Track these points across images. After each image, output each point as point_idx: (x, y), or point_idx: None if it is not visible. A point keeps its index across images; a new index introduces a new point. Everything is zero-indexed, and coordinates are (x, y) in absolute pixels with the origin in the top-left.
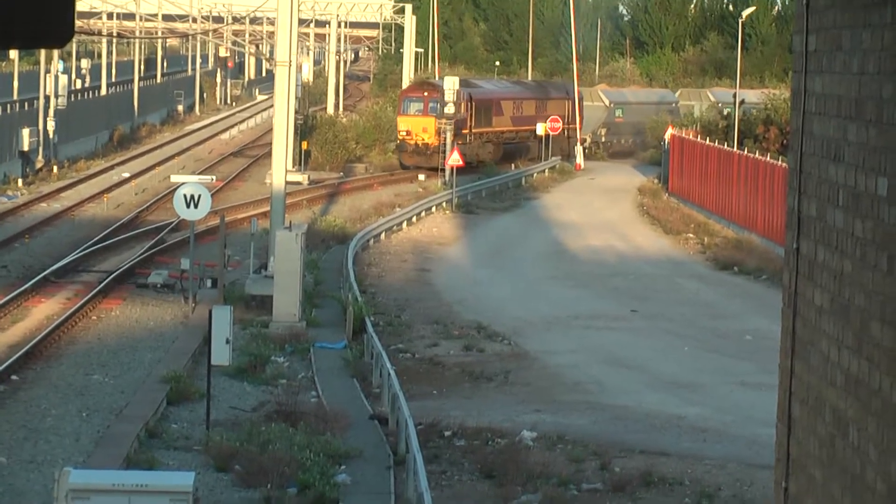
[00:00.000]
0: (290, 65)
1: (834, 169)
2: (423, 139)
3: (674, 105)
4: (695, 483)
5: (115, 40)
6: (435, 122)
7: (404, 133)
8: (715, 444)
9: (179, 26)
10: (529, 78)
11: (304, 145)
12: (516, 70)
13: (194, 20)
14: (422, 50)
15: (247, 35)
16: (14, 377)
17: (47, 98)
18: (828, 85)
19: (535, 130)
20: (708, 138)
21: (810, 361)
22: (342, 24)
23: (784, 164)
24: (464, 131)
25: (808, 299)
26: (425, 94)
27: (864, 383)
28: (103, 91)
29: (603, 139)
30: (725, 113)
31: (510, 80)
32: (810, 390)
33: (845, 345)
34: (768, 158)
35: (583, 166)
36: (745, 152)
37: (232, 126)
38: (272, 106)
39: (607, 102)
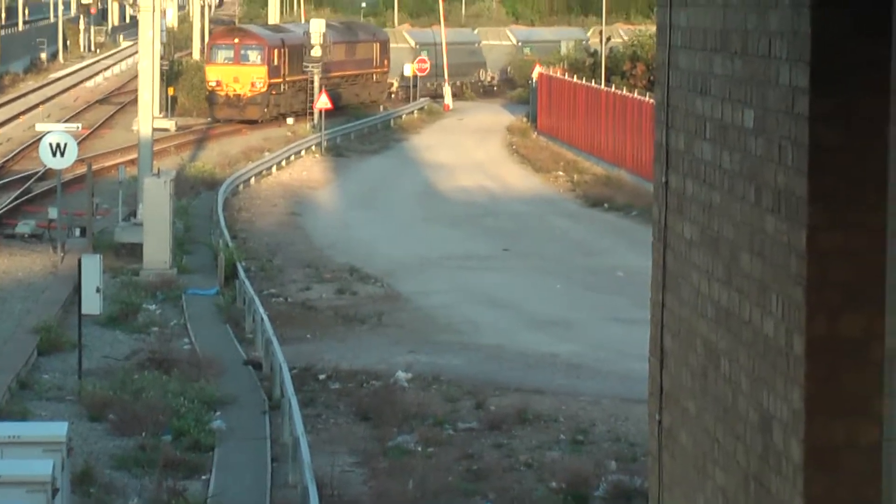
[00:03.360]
0: (154, 10)
1: (701, 102)
2: (234, 90)
3: (476, 46)
4: (570, 419)
5: None
6: (250, 71)
7: (213, 83)
8: (589, 381)
9: None
10: (395, 21)
11: (171, 91)
12: (382, 11)
13: None
14: None
15: None
16: None
17: None
18: (693, 18)
19: (346, 76)
20: (575, 76)
21: (681, 294)
22: None
23: (651, 101)
24: (277, 80)
25: (677, 233)
26: (236, 40)
27: (734, 315)
28: None
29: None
30: (592, 51)
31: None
32: (682, 323)
33: (715, 277)
34: (636, 95)
35: (451, 107)
36: (613, 89)
37: (97, 73)
38: (137, 52)
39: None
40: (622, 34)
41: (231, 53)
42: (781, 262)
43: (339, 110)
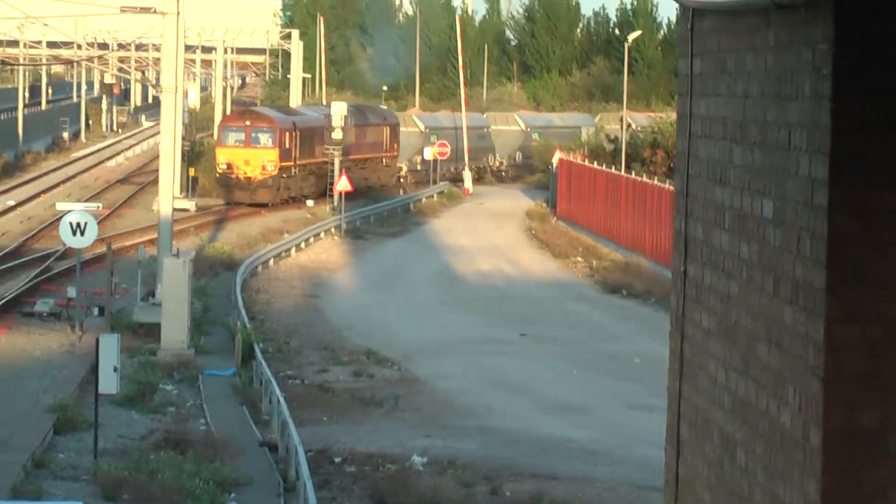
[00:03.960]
0: (176, 91)
1: (720, 191)
2: (244, 172)
3: (485, 130)
4: None
5: None
6: (260, 154)
7: (224, 166)
8: (605, 467)
9: (64, 53)
10: (417, 104)
11: (192, 172)
12: (404, 95)
13: (79, 47)
14: (309, 76)
15: (132, 61)
16: None
17: None
18: (713, 108)
19: (355, 160)
20: (595, 162)
21: (698, 384)
22: (228, 50)
23: (671, 187)
24: (288, 163)
25: (695, 322)
26: (247, 122)
27: (751, 405)
28: None
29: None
30: (613, 137)
31: (328, 106)
32: (698, 412)
33: (732, 367)
34: (655, 181)
35: (471, 191)
36: (633, 175)
37: (118, 153)
38: (159, 132)
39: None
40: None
41: (242, 136)
42: (799, 354)
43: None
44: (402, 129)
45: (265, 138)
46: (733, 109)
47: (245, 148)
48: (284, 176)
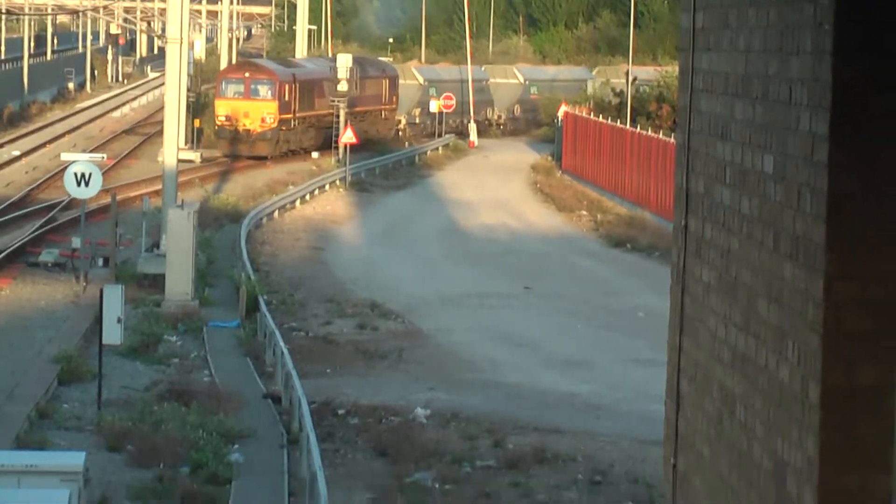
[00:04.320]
0: (182, 42)
1: (721, 146)
2: (244, 125)
3: (484, 83)
4: (588, 459)
5: (3, 17)
6: (260, 106)
7: (223, 118)
8: (608, 421)
9: (70, 3)
10: (422, 58)
11: (197, 123)
12: (410, 47)
13: None
14: (315, 27)
15: (138, 12)
16: None
17: None
18: (715, 62)
19: (354, 112)
20: (601, 116)
21: (698, 338)
22: (234, 1)
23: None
24: (287, 116)
25: (696, 276)
26: (246, 74)
27: (750, 360)
28: None
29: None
30: (618, 91)
31: (328, 58)
32: (698, 367)
33: (732, 322)
34: (661, 136)
35: (476, 144)
36: (638, 129)
37: (124, 104)
38: (164, 83)
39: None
40: (636, 75)
41: (241, 88)
42: (798, 310)
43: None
44: (400, 81)
45: (264, 90)
46: (735, 64)
47: (244, 100)
48: (284, 129)
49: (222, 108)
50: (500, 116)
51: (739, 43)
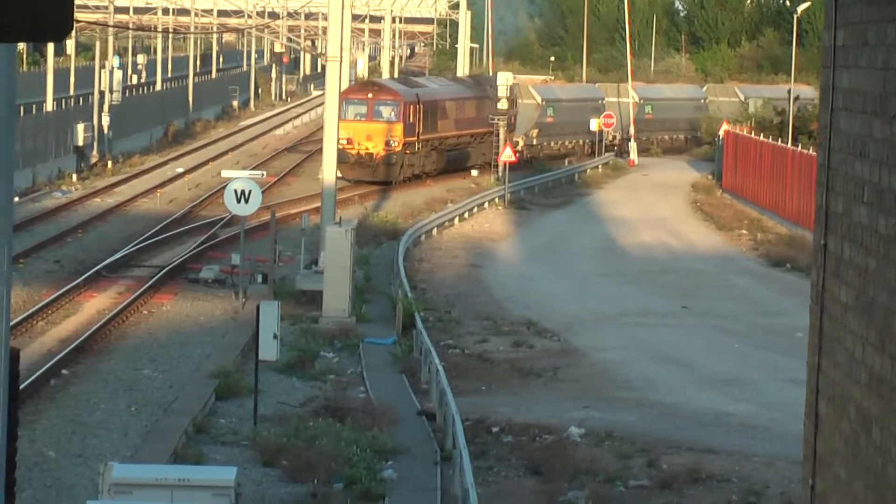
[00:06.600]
0: (342, 60)
1: (860, 165)
2: (366, 148)
3: (599, 102)
4: (742, 480)
5: (170, 36)
6: (383, 129)
7: (344, 141)
8: (763, 442)
9: (234, 22)
10: (584, 76)
11: None
12: (571, 66)
13: (249, 16)
14: (476, 46)
15: (302, 30)
16: (64, 371)
17: (102, 93)
18: (854, 80)
19: (475, 135)
20: (762, 134)
21: (836, 359)
22: (397, 20)
23: None
24: (412, 139)
25: (834, 296)
26: (369, 95)
27: (886, 381)
28: (158, 86)
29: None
30: (780, 109)
31: (449, 77)
32: (836, 388)
33: (869, 342)
34: None
35: (636, 162)
36: (800, 148)
37: (286, 122)
38: None
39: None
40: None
41: (364, 109)
42: None
43: (452, 172)
44: (518, 101)
45: (388, 112)
46: (873, 82)
47: (366, 122)
48: (408, 152)
49: (343, 131)
50: (614, 137)
51: (878, 61)
